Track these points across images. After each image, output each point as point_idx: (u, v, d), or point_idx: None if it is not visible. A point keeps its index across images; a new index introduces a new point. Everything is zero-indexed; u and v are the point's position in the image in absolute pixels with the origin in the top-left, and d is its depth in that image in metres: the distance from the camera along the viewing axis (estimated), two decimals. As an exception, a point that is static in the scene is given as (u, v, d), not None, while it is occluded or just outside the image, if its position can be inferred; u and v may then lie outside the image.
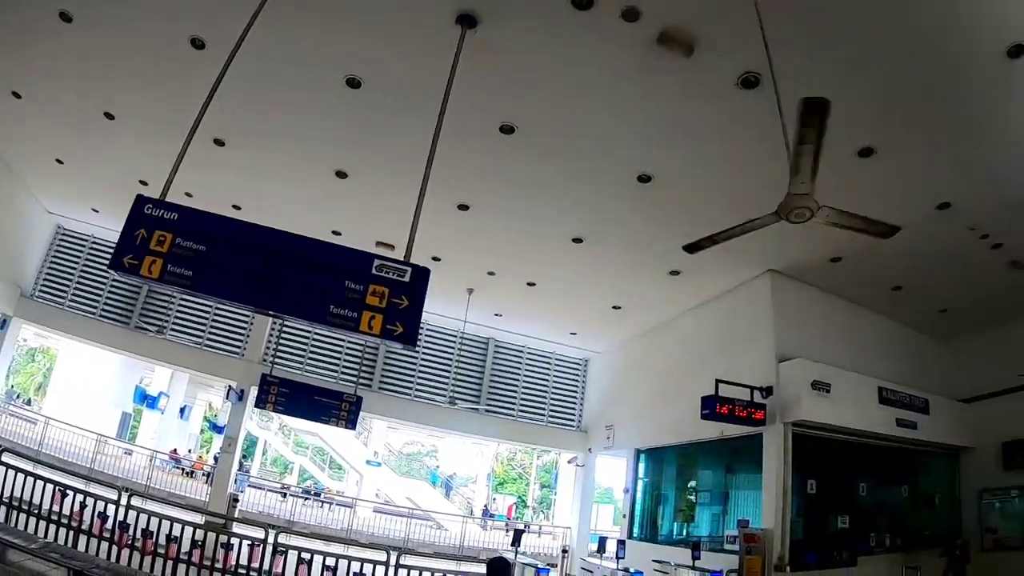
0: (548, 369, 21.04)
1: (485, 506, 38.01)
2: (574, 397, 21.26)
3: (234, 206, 13.41)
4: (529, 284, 15.47)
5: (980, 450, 16.28)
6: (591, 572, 11.67)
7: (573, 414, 21.07)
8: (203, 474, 25.83)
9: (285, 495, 24.60)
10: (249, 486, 24.37)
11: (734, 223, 7.32)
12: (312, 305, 5.71)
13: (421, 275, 5.97)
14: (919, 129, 9.26)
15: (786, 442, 12.44)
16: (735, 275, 14.03)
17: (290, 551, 10.74)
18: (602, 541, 11.98)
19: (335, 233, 13.94)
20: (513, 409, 20.25)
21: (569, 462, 21.54)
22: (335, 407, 15.11)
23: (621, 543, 12.03)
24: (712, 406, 12.04)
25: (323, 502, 27.38)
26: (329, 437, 34.50)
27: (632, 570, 10.56)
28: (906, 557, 13.80)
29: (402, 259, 6.10)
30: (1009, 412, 15.89)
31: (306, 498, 26.99)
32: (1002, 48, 7.67)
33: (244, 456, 35.42)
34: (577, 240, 12.96)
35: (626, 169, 10.57)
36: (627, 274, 14.48)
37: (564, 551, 19.44)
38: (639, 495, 17.17)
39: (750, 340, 13.81)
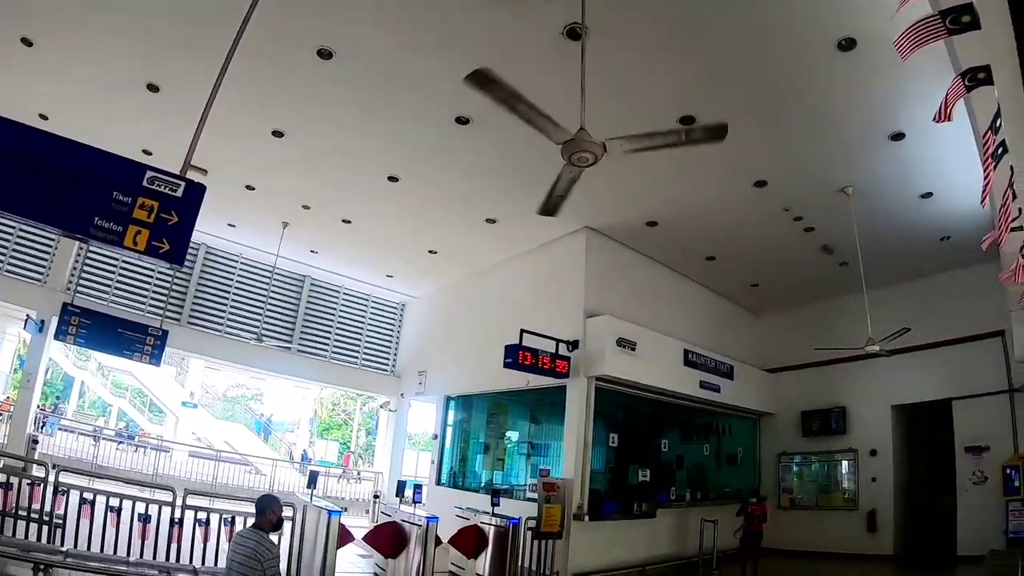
0: (364, 311, 20.23)
1: (304, 451, 37.09)
2: (389, 341, 20.63)
3: (41, 115, 11.77)
4: (345, 221, 14.63)
5: (780, 416, 17.28)
6: (389, 516, 11.16)
7: (387, 358, 20.44)
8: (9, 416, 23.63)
9: (97, 439, 22.92)
10: (61, 429, 22.91)
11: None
12: (75, 216, 4.88)
13: (196, 191, 5.35)
14: (742, 105, 9.26)
15: (589, 395, 12.33)
16: (552, 229, 13.69)
17: (72, 491, 9.71)
18: (400, 485, 11.45)
19: (146, 152, 12.44)
20: (327, 350, 19.32)
21: (381, 407, 20.97)
22: (139, 341, 13.53)
23: (418, 487, 11.59)
24: (515, 355, 11.67)
25: (137, 446, 25.68)
26: (146, 378, 32.45)
27: (429, 515, 10.10)
28: (706, 511, 14.05)
29: (178, 173, 5.40)
30: (808, 384, 17.00)
31: (120, 442, 25.11)
32: (833, 40, 7.76)
33: (58, 398, 33.25)
34: (393, 179, 12.14)
35: (445, 109, 9.87)
36: (443, 219, 13.87)
37: (376, 496, 18.97)
38: (448, 442, 16.84)
39: (562, 294, 13.58)
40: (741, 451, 17.22)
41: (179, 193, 5.27)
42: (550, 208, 7.38)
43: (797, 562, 15.24)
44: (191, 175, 5.63)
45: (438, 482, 16.42)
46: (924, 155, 10.36)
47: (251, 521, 6.39)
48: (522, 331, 12.07)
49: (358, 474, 27.49)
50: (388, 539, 10.51)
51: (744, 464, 17.30)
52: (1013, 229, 5.96)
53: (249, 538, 6.00)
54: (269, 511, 6.28)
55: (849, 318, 14.56)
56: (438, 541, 10.01)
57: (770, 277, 16.01)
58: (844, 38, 7.72)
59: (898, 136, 9.82)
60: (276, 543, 6.34)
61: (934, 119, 4.62)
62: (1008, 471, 13.44)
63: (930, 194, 11.66)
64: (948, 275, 15.24)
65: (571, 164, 6.11)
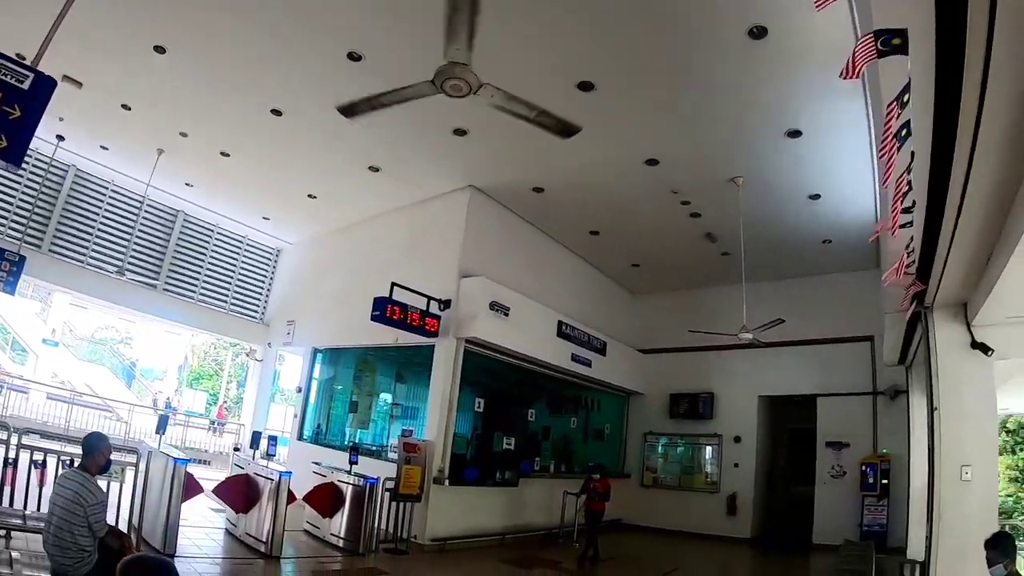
0: (238, 254, 18.98)
1: (168, 400, 35.38)
2: (261, 288, 19.50)
3: None
4: (223, 154, 13.57)
5: (649, 397, 17.35)
6: (241, 468, 10.50)
7: (258, 305, 19.34)
8: None
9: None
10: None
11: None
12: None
13: (45, 86, 4.80)
14: (643, 80, 9.00)
15: (457, 357, 11.87)
16: (435, 184, 13.23)
17: None
18: (255, 437, 10.87)
19: (19, 56, 11.21)
20: (195, 292, 18.03)
21: (247, 355, 20.07)
22: (-8, 266, 12.26)
23: (273, 440, 11.00)
24: (383, 308, 11.10)
25: (-7, 385, 23.82)
26: (8, 314, 30.37)
27: (283, 470, 9.48)
28: (570, 483, 13.75)
29: (30, 63, 4.80)
30: (679, 367, 17.09)
31: (-29, 380, 23.24)
32: (745, 27, 7.52)
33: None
34: (276, 112, 11.32)
35: (334, 43, 9.07)
36: (325, 161, 13.00)
37: (236, 449, 18.08)
38: (313, 397, 16.13)
39: (438, 252, 13.05)
40: (608, 427, 17.22)
41: (26, 85, 4.75)
42: (355, 109, 7.00)
43: (657, 539, 15.32)
44: (65, 86, 4.86)
45: (300, 437, 15.71)
46: (817, 155, 10.38)
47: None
48: (393, 284, 11.52)
49: (219, 425, 26.27)
50: (239, 493, 9.89)
51: (611, 440, 17.33)
52: (902, 225, 5.81)
53: (72, 479, 5.43)
54: (98, 452, 5.67)
55: (725, 308, 14.62)
56: (292, 497, 9.46)
57: (652, 259, 15.99)
58: (756, 25, 7.49)
59: (795, 133, 9.79)
60: (104, 488, 5.84)
61: (840, 75, 4.27)
62: (865, 468, 13.88)
63: (818, 196, 11.78)
64: (826, 278, 15.64)
65: (441, 88, 5.85)
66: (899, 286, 7.41)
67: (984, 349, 7.24)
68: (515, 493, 12.80)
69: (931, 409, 7.39)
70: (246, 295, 19.19)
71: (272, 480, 9.35)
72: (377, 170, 12.88)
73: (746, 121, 9.72)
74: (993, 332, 7.37)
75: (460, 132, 10.80)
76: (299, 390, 16.37)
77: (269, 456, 10.51)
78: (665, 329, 17.73)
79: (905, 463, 13.53)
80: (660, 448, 17.20)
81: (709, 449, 16.55)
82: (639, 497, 16.81)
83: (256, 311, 19.26)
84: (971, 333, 7.49)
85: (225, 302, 18.66)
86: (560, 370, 14.39)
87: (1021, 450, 22.21)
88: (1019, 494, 22.03)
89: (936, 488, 7.14)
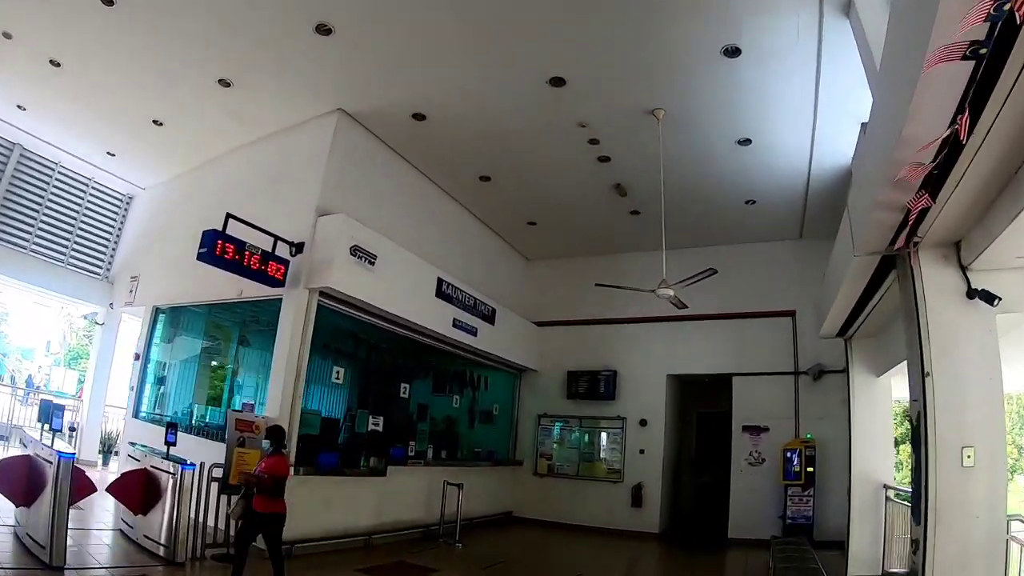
0: (82, 198, 15.73)
1: (29, 376, 31.35)
2: (107, 239, 16.34)
3: None
4: (53, 63, 10.85)
5: (544, 374, 15.39)
6: (26, 447, 8.02)
7: (102, 260, 16.23)
8: None
9: None
10: None
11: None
12: None
13: None
14: None
15: (308, 313, 9.52)
16: (299, 108, 10.66)
17: None
18: (45, 409, 8.41)
19: None
20: (28, 241, 15.11)
21: (85, 318, 17.12)
22: None
23: (59, 409, 8.53)
24: (212, 244, 8.75)
25: None
26: None
27: (65, 451, 7.02)
28: (451, 472, 11.95)
29: None
30: (578, 342, 15.24)
31: None
32: None
33: None
34: (108, 3, 8.79)
35: None
36: (168, 71, 10.46)
37: (72, 430, 15.11)
38: (152, 364, 13.46)
39: (295, 186, 10.67)
40: (497, 408, 15.10)
41: None
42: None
43: (552, 536, 13.39)
44: None
45: (136, 413, 13.02)
46: (756, 84, 8.89)
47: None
48: (228, 216, 9.16)
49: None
50: (18, 479, 7.40)
51: (500, 423, 15.28)
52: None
53: None
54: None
55: (632, 278, 12.67)
56: (88, 487, 7.20)
57: (551, 215, 13.96)
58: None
59: (733, 52, 8.21)
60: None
61: None
62: (788, 454, 12.60)
63: (749, 141, 10.33)
64: (746, 247, 14.41)
65: None
66: (882, 219, 5.56)
67: (988, 298, 5.47)
68: (384, 484, 10.58)
69: (921, 376, 5.57)
70: (89, 248, 15.99)
71: (51, 463, 6.93)
72: (228, 84, 10.37)
73: (676, 31, 8.00)
74: (995, 278, 5.62)
75: (324, 29, 8.48)
76: (136, 358, 13.70)
77: (54, 432, 8.04)
78: (563, 300, 15.88)
79: (835, 449, 12.48)
80: (556, 432, 15.26)
81: (611, 434, 14.73)
82: (532, 487, 14.92)
83: (100, 266, 16.22)
84: (968, 279, 5.72)
85: (64, 255, 15.61)
86: (439, 338, 12.24)
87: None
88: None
89: (930, 479, 5.32)
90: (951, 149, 4.16)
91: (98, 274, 16.14)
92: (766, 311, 13.98)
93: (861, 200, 6.02)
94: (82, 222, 15.84)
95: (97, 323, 16.43)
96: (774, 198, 12.30)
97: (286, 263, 9.57)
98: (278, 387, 9.32)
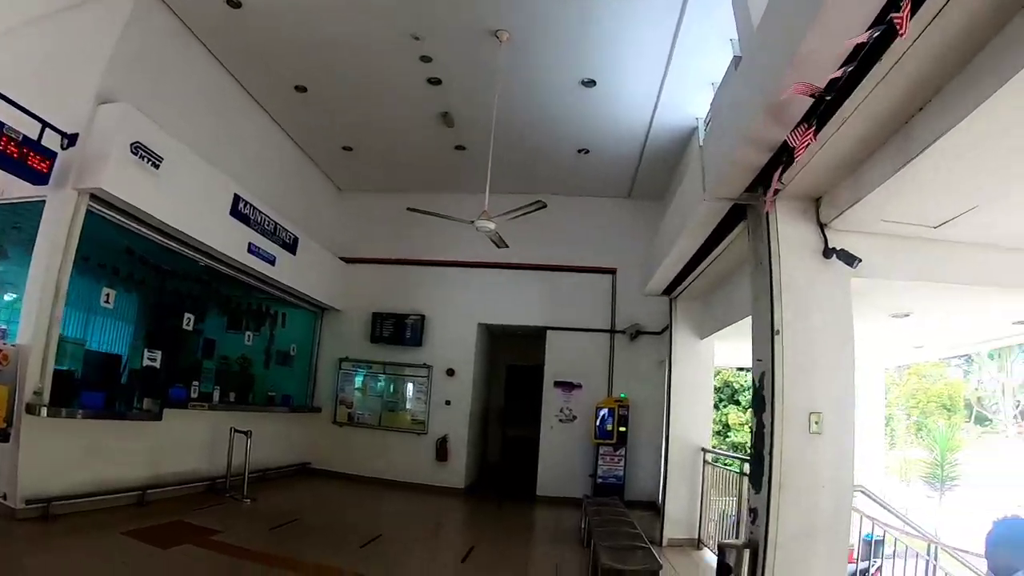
0: None
1: None
2: None
3: None
4: None
5: (348, 315, 14.27)
6: None
7: None
8: None
9: None
10: None
11: None
12: None
13: None
14: None
15: (75, 219, 7.80)
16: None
17: None
18: None
19: None
20: None
21: None
22: None
23: None
24: None
25: None
26: None
27: None
28: (240, 418, 10.66)
29: None
30: (386, 282, 14.38)
31: None
32: None
33: None
34: None
35: None
36: None
37: None
38: None
39: (79, 68, 8.68)
40: (295, 349, 13.77)
41: None
42: None
43: (353, 490, 12.40)
44: None
45: None
46: (612, 24, 8.36)
47: None
48: None
49: None
50: None
51: (299, 366, 13.94)
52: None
53: None
54: None
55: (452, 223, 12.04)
56: None
57: (369, 141, 12.67)
58: None
59: None
60: None
61: None
62: (601, 413, 12.35)
63: (594, 83, 9.71)
64: (573, 200, 13.95)
65: None
66: (746, 159, 5.02)
67: (848, 259, 5.06)
68: (161, 430, 9.10)
69: (770, 335, 5.11)
70: None
71: None
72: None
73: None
74: (854, 241, 5.23)
75: None
76: None
77: None
78: (375, 236, 14.69)
79: (648, 411, 12.46)
80: (359, 378, 14.17)
81: (417, 382, 13.87)
82: (331, 437, 13.78)
83: None
84: (825, 237, 5.32)
85: None
86: (232, 264, 10.72)
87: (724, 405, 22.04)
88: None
89: (775, 445, 4.88)
90: (856, 71, 3.60)
91: None
92: (587, 266, 13.65)
93: (723, 139, 5.45)
94: None
95: None
96: (609, 150, 11.85)
97: (53, 156, 7.88)
98: (33, 309, 7.63)
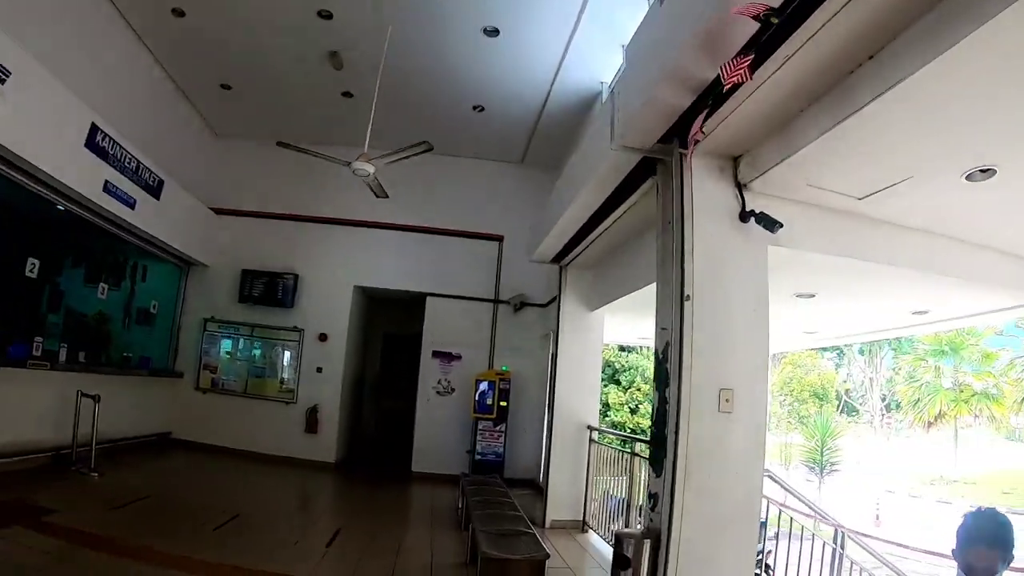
0: None
1: None
2: None
3: None
4: None
5: (216, 271, 13.11)
6: None
7: None
8: None
9: None
10: None
11: None
12: None
13: None
14: None
15: None
16: None
17: None
18: None
19: None
20: None
21: None
22: None
23: None
24: None
25: None
26: None
27: None
28: (90, 381, 9.54)
29: None
30: (259, 237, 13.30)
31: None
32: None
33: None
34: None
35: None
36: None
37: None
38: None
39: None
40: (156, 306, 12.54)
41: None
42: None
43: (214, 464, 11.45)
44: None
45: None
46: None
47: None
48: None
49: None
50: None
51: (161, 325, 12.71)
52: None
53: None
54: None
55: (334, 176, 11.39)
56: None
57: (251, 79, 11.50)
58: None
59: None
60: None
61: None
62: (482, 386, 11.85)
63: (497, 32, 9.12)
64: (463, 162, 13.46)
65: None
66: (664, 101, 4.48)
67: (769, 223, 4.64)
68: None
69: (680, 301, 4.62)
70: None
71: None
72: None
73: None
74: (777, 206, 4.82)
75: None
76: None
77: None
78: (251, 187, 13.56)
79: (530, 385, 12.14)
80: (225, 341, 13.07)
81: (287, 347, 12.92)
82: (194, 404, 12.66)
83: None
84: (743, 199, 4.87)
85: None
86: (86, 204, 9.38)
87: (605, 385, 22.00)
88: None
89: (680, 424, 4.40)
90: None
91: None
92: (473, 232, 13.05)
93: (640, 79, 4.87)
94: None
95: None
96: (506, 110, 11.28)
97: None
98: None
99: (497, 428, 11.53)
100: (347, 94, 11.25)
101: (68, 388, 9.21)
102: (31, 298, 9.41)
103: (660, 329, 4.88)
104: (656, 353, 4.93)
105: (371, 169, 8.42)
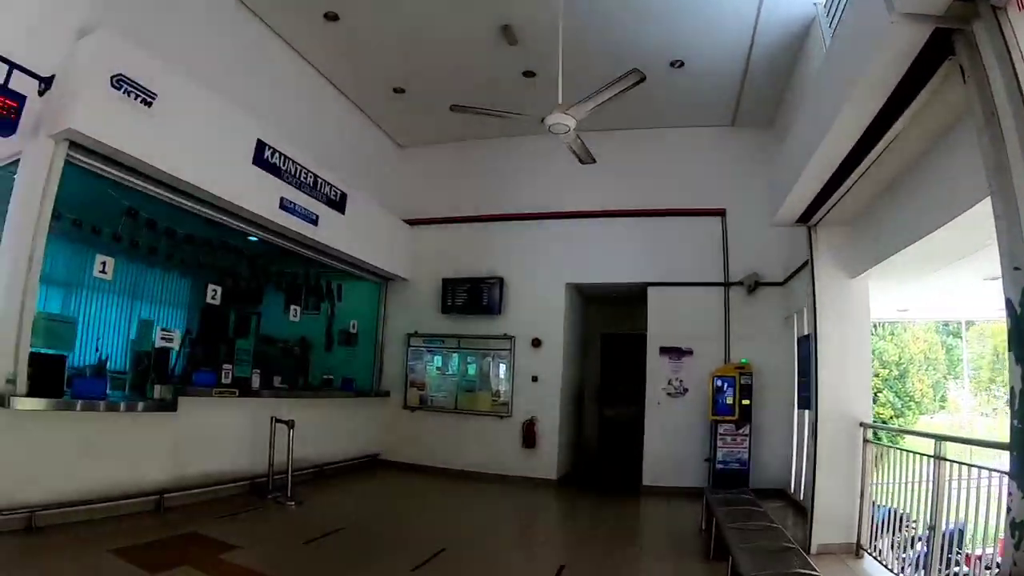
0: None
1: None
2: None
3: None
4: None
5: (416, 284, 12.46)
6: None
7: None
8: None
9: None
10: None
11: None
12: None
13: None
14: None
15: (51, 173, 6.18)
16: None
17: None
18: None
19: None
20: None
21: None
22: None
23: None
24: None
25: None
26: None
27: None
28: (285, 405, 9.12)
29: None
30: (456, 243, 12.45)
31: None
32: None
33: None
34: None
35: None
36: None
37: None
38: None
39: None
40: (356, 325, 11.99)
41: None
42: None
43: (424, 485, 10.64)
44: None
45: None
46: None
47: None
48: None
49: None
50: None
51: (363, 344, 12.20)
52: None
53: None
54: None
55: (527, 167, 11.14)
56: None
57: (423, 77, 10.61)
58: None
59: None
60: None
61: None
62: (719, 383, 10.05)
63: None
64: (666, 133, 11.80)
65: None
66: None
67: None
68: (184, 422, 7.48)
69: None
70: None
71: None
72: None
73: None
74: None
75: None
76: None
77: None
78: (440, 193, 12.81)
79: (772, 378, 10.29)
80: (430, 356, 12.28)
81: (497, 357, 11.85)
82: (402, 424, 12.04)
83: None
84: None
85: None
86: (262, 223, 8.83)
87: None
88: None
89: None
90: None
91: None
92: (691, 209, 11.30)
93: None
94: None
95: None
96: (707, 62, 9.60)
97: (20, 99, 6.26)
98: (5, 277, 6.10)
99: (740, 431, 9.77)
100: (529, 73, 10.02)
101: (260, 414, 8.76)
102: (217, 325, 9.04)
103: (1012, 271, 3.15)
104: (1011, 308, 3.18)
105: (571, 122, 6.97)
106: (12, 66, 6.13)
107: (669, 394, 10.77)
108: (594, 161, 8.17)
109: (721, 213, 11.18)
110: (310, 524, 7.28)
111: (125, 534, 6.09)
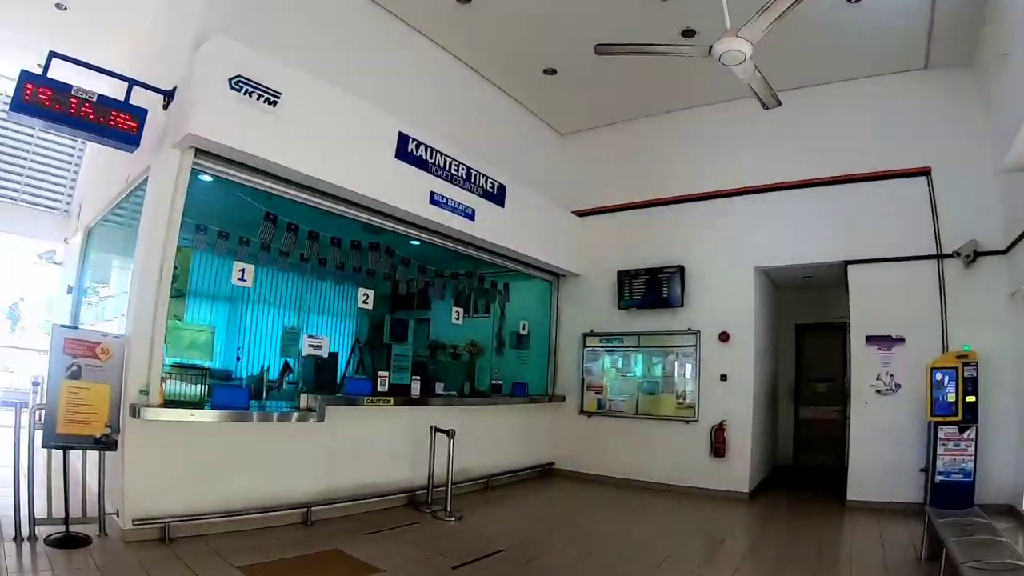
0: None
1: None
2: (66, 166, 13.27)
3: None
4: None
5: (589, 280, 11.83)
6: None
7: (61, 191, 13.26)
8: None
9: None
10: None
11: None
12: None
13: None
14: None
15: (178, 182, 6.15)
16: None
17: None
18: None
19: None
20: None
21: (41, 256, 14.06)
22: None
23: None
24: (19, 91, 5.60)
25: None
26: None
27: None
28: (449, 413, 8.71)
29: None
30: (630, 232, 11.66)
31: None
32: None
33: None
34: None
35: None
36: None
37: (35, 384, 12.27)
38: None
39: (171, 8, 7.36)
40: (526, 326, 11.40)
41: None
42: None
43: (607, 497, 9.83)
44: None
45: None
46: None
47: None
48: (52, 54, 6.05)
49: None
50: None
51: (535, 346, 11.68)
52: None
53: None
54: None
55: (696, 137, 10.50)
56: None
57: (571, 53, 9.79)
58: None
59: None
60: None
61: None
62: (938, 376, 8.31)
63: None
64: (848, 86, 10.28)
65: None
66: None
67: None
68: (325, 431, 7.20)
69: None
70: (44, 177, 13.26)
71: None
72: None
73: None
74: None
75: None
76: (69, 291, 10.87)
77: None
78: (610, 180, 12.07)
79: (1001, 368, 8.41)
80: (608, 356, 11.50)
81: (682, 354, 10.84)
82: (578, 431, 11.37)
83: (58, 198, 13.33)
84: None
85: (16, 190, 12.86)
86: (411, 219, 8.47)
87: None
88: None
89: None
90: None
91: (56, 207, 13.41)
92: (888, 171, 9.74)
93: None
94: (37, 149, 13.07)
95: (55, 263, 13.52)
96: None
97: (141, 113, 6.28)
98: (139, 296, 6.15)
99: (964, 435, 7.97)
100: (688, 32, 9.01)
101: (418, 422, 8.42)
102: (372, 328, 9.07)
103: None
104: None
105: (746, 48, 5.76)
106: (132, 82, 6.43)
107: (878, 391, 9.23)
108: (779, 103, 6.99)
109: (926, 172, 9.54)
110: (465, 544, 6.68)
111: (262, 549, 5.83)
